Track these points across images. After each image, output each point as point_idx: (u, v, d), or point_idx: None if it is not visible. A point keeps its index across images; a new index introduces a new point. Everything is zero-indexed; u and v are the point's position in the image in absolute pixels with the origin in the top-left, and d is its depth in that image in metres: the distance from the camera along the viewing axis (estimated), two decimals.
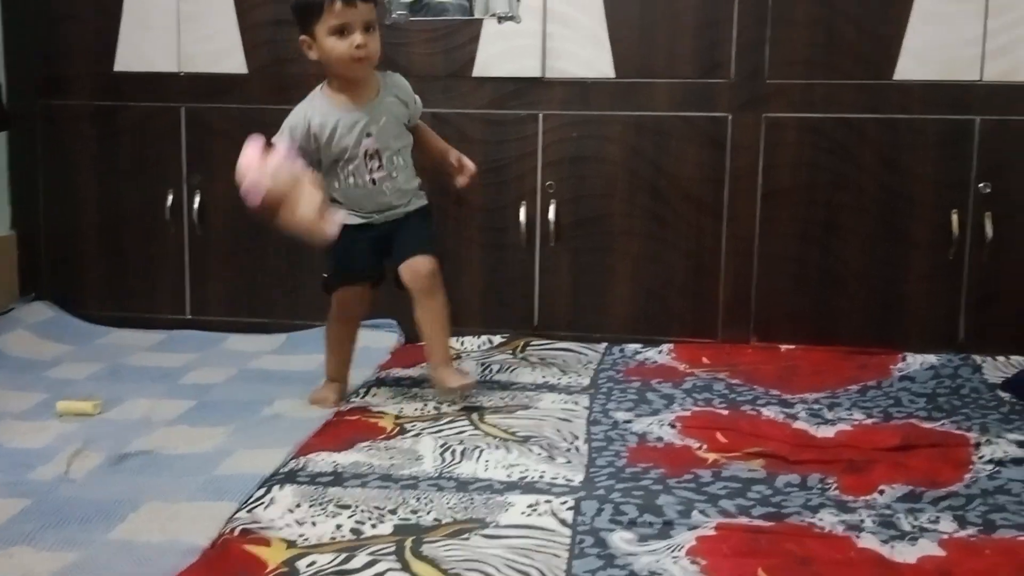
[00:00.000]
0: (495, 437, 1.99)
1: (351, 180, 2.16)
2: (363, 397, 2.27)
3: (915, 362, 2.51)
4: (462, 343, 2.70)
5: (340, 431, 2.03)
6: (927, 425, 2.09)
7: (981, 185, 2.58)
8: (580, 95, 2.71)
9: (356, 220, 2.17)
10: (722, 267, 2.72)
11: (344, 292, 2.23)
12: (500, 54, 2.72)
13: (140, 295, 2.96)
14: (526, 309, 2.81)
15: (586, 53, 2.68)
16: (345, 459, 1.86)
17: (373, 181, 2.16)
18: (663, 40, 2.67)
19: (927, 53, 2.56)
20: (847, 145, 2.62)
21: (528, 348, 2.69)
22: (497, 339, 2.74)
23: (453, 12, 2.74)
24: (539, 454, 1.90)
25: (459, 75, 2.74)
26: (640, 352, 2.64)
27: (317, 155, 2.15)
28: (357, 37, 2.06)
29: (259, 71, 2.83)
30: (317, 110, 2.14)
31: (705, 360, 2.57)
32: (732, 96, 2.65)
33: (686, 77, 2.67)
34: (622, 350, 2.66)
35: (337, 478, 1.77)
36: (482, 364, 2.52)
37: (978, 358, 2.52)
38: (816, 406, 2.21)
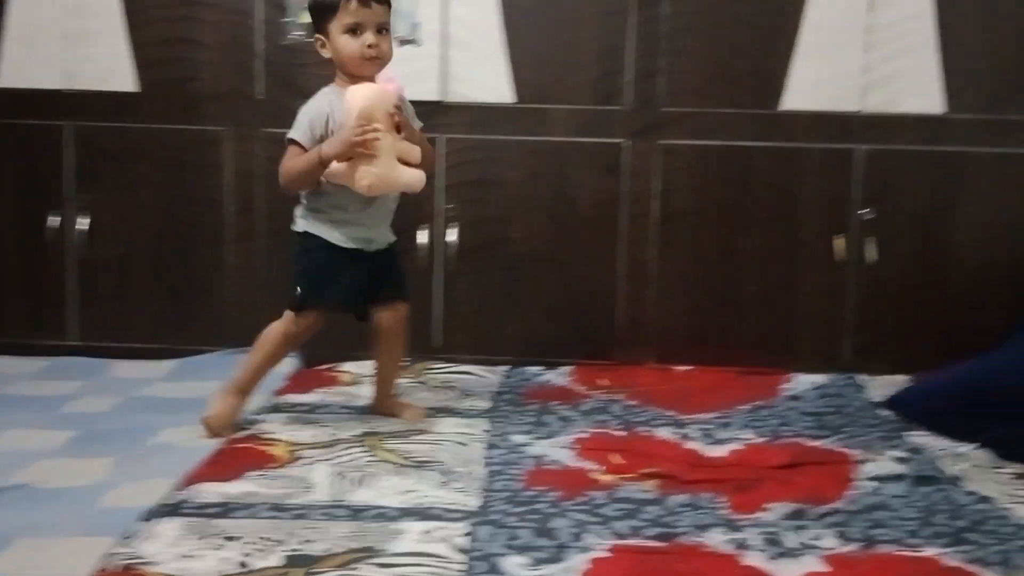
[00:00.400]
0: (391, 463, 1.97)
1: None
2: (256, 424, 2.22)
3: (803, 382, 2.59)
4: (361, 367, 2.67)
5: (230, 460, 1.98)
6: (813, 443, 2.16)
7: (863, 211, 2.69)
8: (481, 119, 2.72)
9: (348, 244, 2.16)
10: (620, 290, 2.76)
11: (311, 316, 2.19)
12: (400, 77, 2.70)
13: (21, 320, 2.83)
14: (427, 333, 2.79)
15: (486, 78, 2.70)
16: (234, 489, 1.81)
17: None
18: (562, 67, 2.72)
19: (811, 84, 2.66)
20: (738, 171, 2.71)
21: (429, 372, 2.67)
22: None
23: None
24: (435, 480, 1.89)
25: None
26: (540, 375, 2.66)
27: None
28: (369, 36, 2.08)
29: (153, 90, 2.76)
30: (336, 104, 2.12)
31: (604, 382, 2.61)
32: (628, 123, 2.71)
33: (584, 104, 2.71)
34: (522, 373, 2.67)
35: (225, 509, 1.72)
36: None
37: (862, 377, 2.62)
38: (709, 426, 2.26)
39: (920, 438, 2.20)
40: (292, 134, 2.11)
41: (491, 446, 2.09)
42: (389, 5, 2.14)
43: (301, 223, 2.19)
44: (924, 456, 2.05)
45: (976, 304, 2.69)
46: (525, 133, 2.72)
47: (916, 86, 2.65)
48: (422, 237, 2.73)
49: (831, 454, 2.08)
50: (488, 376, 2.64)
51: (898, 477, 1.92)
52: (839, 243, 2.69)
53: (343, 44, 2.09)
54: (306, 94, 2.23)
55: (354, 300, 2.21)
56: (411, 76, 2.67)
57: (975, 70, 2.64)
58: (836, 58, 2.65)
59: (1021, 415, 2.11)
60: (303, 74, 2.67)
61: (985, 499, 1.80)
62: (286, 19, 2.68)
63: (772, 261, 2.72)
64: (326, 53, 2.14)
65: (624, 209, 2.73)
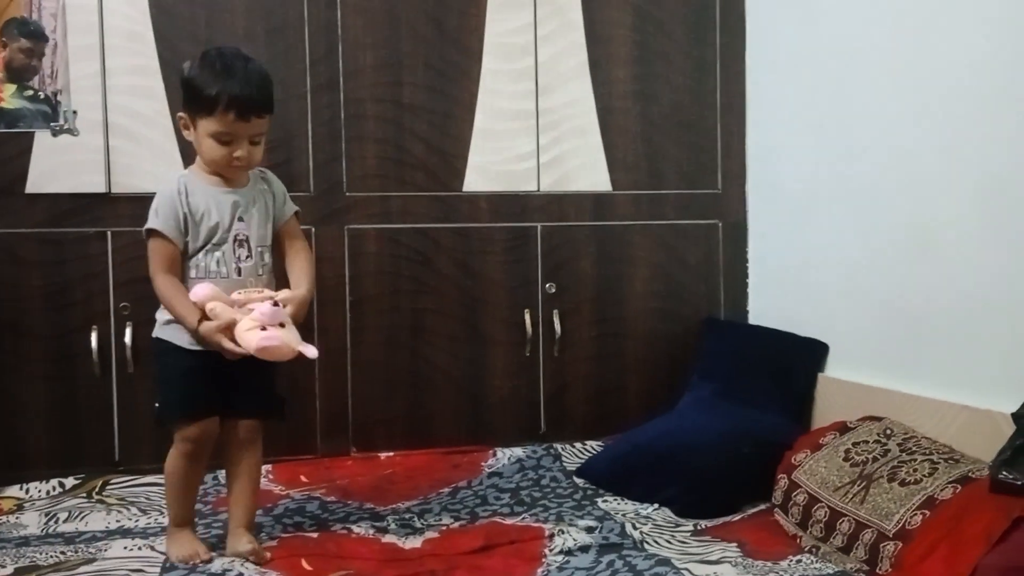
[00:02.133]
0: None
1: (216, 267, 1.92)
2: None
3: (503, 457, 2.62)
4: (27, 491, 2.39)
5: None
6: (509, 521, 2.17)
7: (547, 285, 2.80)
8: None
9: (196, 347, 1.92)
10: (317, 380, 2.67)
11: (192, 427, 1.94)
12: (56, 169, 2.50)
13: None
14: (105, 445, 2.56)
15: (154, 167, 2.54)
16: None
17: (239, 271, 1.93)
18: None
19: (490, 167, 2.76)
20: (425, 252, 2.73)
21: (107, 488, 2.43)
22: (71, 481, 2.45)
23: (31, 122, 2.49)
24: None
25: (9, 192, 2.48)
26: None
27: (185, 237, 1.92)
28: (239, 150, 1.89)
29: None
30: (190, 187, 1.93)
31: (303, 478, 2.50)
32: (314, 209, 2.66)
33: None
34: (215, 478, 2.49)
35: None
36: (47, 514, 2.23)
37: (558, 446, 2.69)
38: (407, 515, 2.22)
39: (609, 503, 2.29)
40: (150, 224, 1.92)
41: (169, 568, 1.91)
42: (271, 113, 1.95)
43: (156, 329, 1.99)
44: (612, 522, 2.12)
45: (651, 367, 2.87)
46: None
47: (585, 166, 2.82)
48: (92, 341, 2.51)
49: (525, 530, 2.10)
50: None
51: (585, 548, 1.96)
52: (527, 318, 2.77)
53: (209, 147, 1.90)
54: None
55: (209, 408, 1.96)
56: (69, 168, 2.51)
57: (632, 150, 2.86)
58: (510, 142, 2.77)
59: (690, 473, 2.25)
60: None
61: (665, 561, 1.88)
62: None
63: (465, 339, 2.76)
64: (188, 135, 1.95)
65: (316, 297, 2.66)
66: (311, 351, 1.89)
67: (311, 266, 2.05)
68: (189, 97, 1.92)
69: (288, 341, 1.86)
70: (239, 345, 1.85)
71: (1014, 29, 1.94)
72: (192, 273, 1.95)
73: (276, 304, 1.86)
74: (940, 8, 2.14)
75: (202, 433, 1.96)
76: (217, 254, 1.94)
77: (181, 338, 1.94)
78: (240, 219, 1.96)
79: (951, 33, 2.11)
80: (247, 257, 1.96)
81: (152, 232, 1.92)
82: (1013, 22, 1.94)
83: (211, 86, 1.86)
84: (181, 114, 1.96)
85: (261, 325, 1.83)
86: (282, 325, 1.87)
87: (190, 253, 1.94)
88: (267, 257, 2.00)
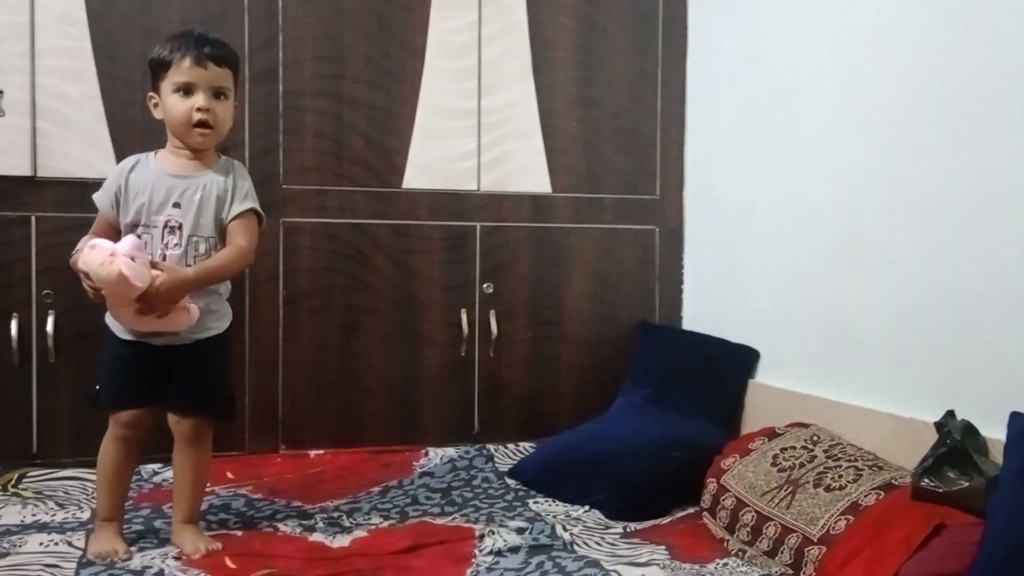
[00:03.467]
0: None
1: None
2: None
3: (435, 457, 2.60)
4: None
5: None
6: (439, 521, 2.15)
7: (485, 285, 2.79)
8: (79, 196, 2.48)
9: (128, 336, 1.89)
10: (247, 375, 2.62)
11: (126, 415, 1.91)
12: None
13: None
14: (22, 436, 2.47)
15: (83, 152, 2.47)
16: None
17: (164, 257, 1.86)
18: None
19: (430, 165, 2.74)
20: (362, 249, 2.70)
21: (24, 481, 2.35)
22: None
23: None
24: None
25: None
26: (159, 473, 2.44)
27: (117, 213, 1.89)
28: (200, 99, 1.84)
29: None
30: (141, 165, 1.92)
31: (230, 475, 2.45)
32: None
33: None
34: (138, 472, 2.42)
35: None
36: None
37: (491, 447, 2.69)
38: (336, 514, 2.19)
39: (540, 505, 2.28)
40: (94, 195, 1.95)
41: (86, 564, 1.85)
42: (234, 69, 1.91)
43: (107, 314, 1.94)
44: (542, 523, 2.12)
45: (585, 370, 2.88)
46: None
47: (525, 168, 2.82)
48: (12, 329, 2.42)
49: (455, 530, 2.08)
50: (95, 480, 2.36)
51: (515, 549, 1.95)
52: (464, 317, 2.76)
53: (171, 104, 1.87)
54: None
55: (134, 400, 1.92)
56: None
57: (573, 153, 2.87)
58: (452, 140, 2.75)
59: (620, 476, 2.26)
60: None
61: (594, 563, 1.88)
62: None
63: (400, 339, 2.73)
64: (157, 114, 1.92)
65: (247, 291, 2.61)
66: (142, 278, 1.77)
67: (220, 261, 1.91)
68: (153, 70, 1.92)
69: (123, 266, 1.74)
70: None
71: (951, 48, 1.99)
72: None
73: (140, 239, 1.83)
74: (879, 25, 2.19)
75: (131, 421, 1.93)
76: (146, 236, 1.89)
77: (116, 327, 1.92)
78: (176, 205, 1.90)
79: (890, 49, 2.16)
80: (175, 244, 1.90)
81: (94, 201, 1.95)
82: (951, 41, 1.99)
83: (168, 47, 1.90)
84: (150, 94, 1.95)
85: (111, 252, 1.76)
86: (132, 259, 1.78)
87: (123, 230, 1.91)
88: (203, 248, 1.92)
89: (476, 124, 2.78)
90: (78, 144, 2.48)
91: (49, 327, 2.45)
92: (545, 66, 2.84)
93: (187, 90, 1.88)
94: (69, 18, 2.48)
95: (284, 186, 2.64)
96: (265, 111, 2.62)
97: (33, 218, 2.45)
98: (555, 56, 2.85)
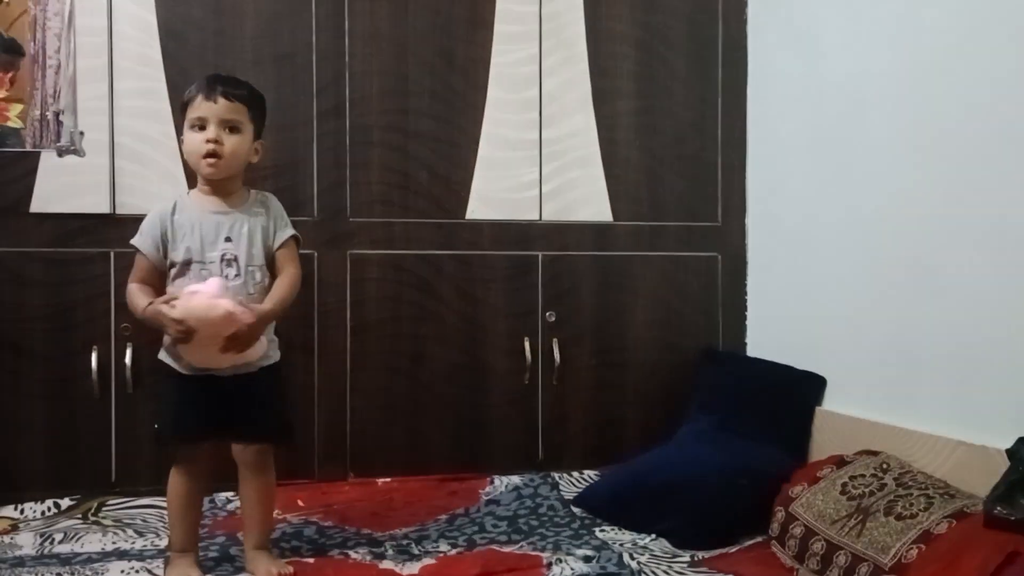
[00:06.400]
0: None
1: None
2: None
3: (501, 484, 2.62)
4: (21, 511, 2.39)
5: None
6: (507, 549, 2.17)
7: (548, 314, 2.81)
8: None
9: (188, 371, 1.96)
10: (316, 404, 2.68)
11: (189, 451, 1.99)
12: (62, 189, 2.52)
13: None
14: (102, 466, 2.56)
15: (159, 189, 2.56)
16: None
17: (227, 289, 1.93)
18: (247, 178, 2.64)
19: (493, 195, 2.78)
20: (427, 279, 2.75)
21: (103, 509, 2.43)
22: (66, 502, 2.45)
23: (10, 142, 2.50)
24: None
25: (13, 211, 2.50)
26: (232, 500, 2.50)
27: (165, 255, 1.97)
28: (210, 131, 1.93)
29: None
30: (181, 205, 2.00)
31: (300, 503, 2.50)
32: (317, 234, 2.67)
33: None
34: (212, 500, 2.49)
35: None
36: (42, 535, 2.23)
37: (555, 475, 2.70)
38: (405, 541, 2.22)
39: (606, 533, 2.29)
40: (133, 240, 2.01)
41: None
42: (246, 103, 2.00)
43: (161, 351, 2.02)
44: (609, 551, 2.12)
45: (650, 397, 2.88)
46: None
47: (587, 196, 2.85)
48: (92, 362, 2.51)
49: (523, 558, 2.09)
50: None
51: None
52: (527, 345, 2.78)
53: (188, 139, 1.98)
54: None
55: (204, 432, 1.98)
56: (74, 188, 2.53)
57: (634, 181, 2.89)
58: (514, 171, 2.80)
59: (688, 504, 2.25)
60: None
61: None
62: None
63: (465, 366, 2.77)
64: (183, 153, 2.04)
65: (316, 321, 2.67)
66: (246, 315, 1.88)
67: (287, 290, 2.02)
68: (182, 114, 2.02)
69: (218, 301, 1.86)
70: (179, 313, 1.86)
71: (1018, 65, 1.96)
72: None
73: (224, 280, 1.93)
74: (943, 43, 2.17)
75: (196, 455, 1.99)
76: (204, 272, 1.96)
77: (176, 362, 1.98)
78: (228, 239, 1.99)
79: (954, 68, 2.14)
80: (235, 276, 1.98)
81: (135, 247, 2.02)
82: (1018, 58, 1.97)
83: (190, 89, 2.00)
84: (181, 137, 2.03)
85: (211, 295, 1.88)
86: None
87: (176, 269, 1.98)
88: (259, 276, 2.01)
89: (538, 154, 2.81)
90: (155, 181, 2.57)
91: (127, 359, 2.54)
92: (605, 95, 2.87)
93: (200, 125, 1.97)
94: (146, 60, 2.58)
95: (352, 219, 2.70)
96: (333, 146, 2.69)
97: (112, 254, 2.55)
98: (615, 85, 2.88)
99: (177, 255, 1.97)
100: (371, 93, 2.72)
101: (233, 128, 1.98)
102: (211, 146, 1.95)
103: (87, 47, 2.54)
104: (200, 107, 1.96)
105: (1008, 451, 1.78)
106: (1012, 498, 1.70)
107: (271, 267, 2.05)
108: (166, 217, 1.99)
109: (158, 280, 1.99)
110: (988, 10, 2.04)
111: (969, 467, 1.99)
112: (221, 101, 1.96)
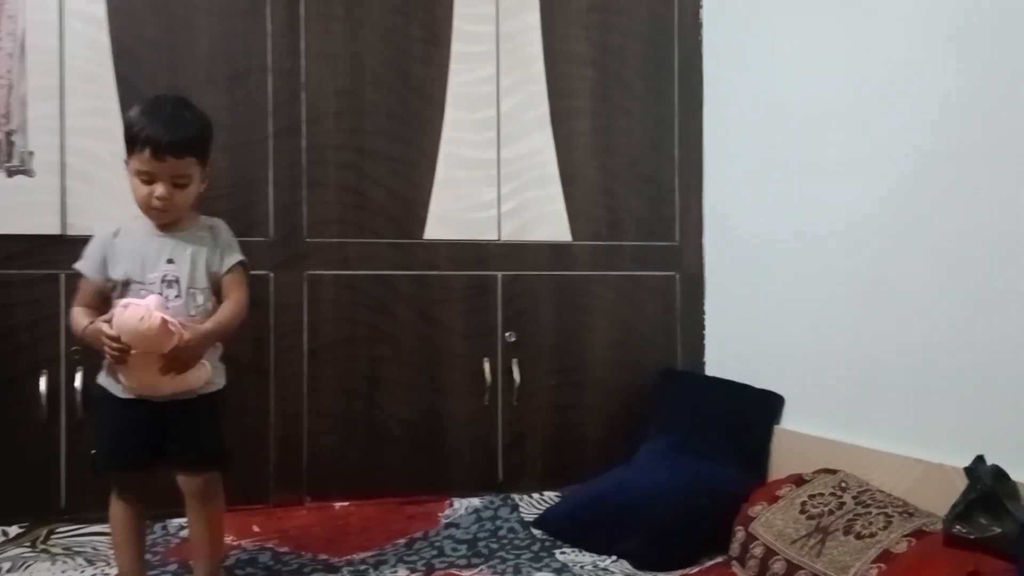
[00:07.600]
0: None
1: None
2: None
3: (460, 507, 2.60)
4: None
5: None
6: (466, 573, 2.15)
7: (507, 334, 2.80)
8: None
9: (126, 394, 1.91)
10: (271, 427, 2.63)
11: (126, 476, 1.94)
12: (12, 210, 2.46)
13: None
14: (50, 492, 2.48)
15: (110, 210, 2.50)
16: None
17: (167, 309, 1.88)
18: (202, 199, 2.59)
19: (451, 215, 2.77)
20: (384, 300, 2.72)
21: (52, 537, 2.36)
22: (14, 530, 2.38)
23: None
24: None
25: None
26: (185, 528, 2.43)
27: (108, 276, 1.95)
28: (158, 189, 1.89)
29: None
30: (125, 229, 1.97)
31: (255, 528, 2.45)
32: (273, 254, 2.64)
33: None
34: (164, 527, 2.44)
35: None
36: None
37: (515, 497, 2.68)
38: (363, 567, 2.18)
39: (567, 555, 2.27)
40: (77, 264, 1.98)
41: None
42: (196, 156, 1.94)
43: (101, 374, 1.97)
44: (570, 573, 2.11)
45: (609, 417, 2.87)
46: None
47: (545, 216, 2.84)
48: (42, 386, 2.45)
49: None
50: None
51: None
52: (487, 366, 2.77)
53: (135, 186, 1.94)
54: None
55: (140, 460, 1.94)
56: (23, 209, 2.47)
57: (592, 201, 2.89)
58: (471, 191, 2.78)
59: (648, 525, 2.24)
60: None
61: None
62: None
63: (423, 388, 2.74)
64: (127, 177, 1.98)
65: (272, 343, 2.63)
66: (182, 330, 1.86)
67: (230, 313, 1.99)
68: (124, 139, 1.97)
69: (151, 312, 1.82)
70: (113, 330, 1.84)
71: (968, 85, 2.00)
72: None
73: (162, 295, 1.91)
74: (894, 69, 2.21)
75: (132, 482, 1.96)
76: (143, 292, 1.92)
77: (115, 386, 1.94)
78: (170, 260, 1.96)
79: (906, 88, 2.17)
80: (176, 296, 1.95)
81: (79, 271, 1.99)
82: (967, 78, 2.00)
83: (134, 126, 1.92)
84: (125, 158, 1.98)
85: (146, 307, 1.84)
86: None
87: (118, 289, 1.95)
88: (201, 299, 1.97)
89: (496, 174, 2.81)
90: (105, 202, 2.52)
91: (77, 383, 2.47)
92: (563, 116, 2.88)
93: (148, 180, 1.93)
94: (97, 79, 2.53)
95: (308, 239, 2.67)
96: (288, 166, 2.66)
97: (62, 276, 2.48)
98: (573, 105, 2.89)
99: (117, 274, 1.95)
100: (327, 112, 2.69)
101: (183, 184, 1.95)
102: (160, 204, 1.92)
103: (37, 66, 2.49)
104: (148, 163, 1.90)
105: (966, 469, 1.80)
106: (971, 517, 1.72)
107: (217, 294, 2.01)
108: (107, 240, 1.97)
109: (102, 304, 1.96)
110: (936, 34, 2.08)
111: (927, 485, 2.01)
112: (170, 159, 1.91)
